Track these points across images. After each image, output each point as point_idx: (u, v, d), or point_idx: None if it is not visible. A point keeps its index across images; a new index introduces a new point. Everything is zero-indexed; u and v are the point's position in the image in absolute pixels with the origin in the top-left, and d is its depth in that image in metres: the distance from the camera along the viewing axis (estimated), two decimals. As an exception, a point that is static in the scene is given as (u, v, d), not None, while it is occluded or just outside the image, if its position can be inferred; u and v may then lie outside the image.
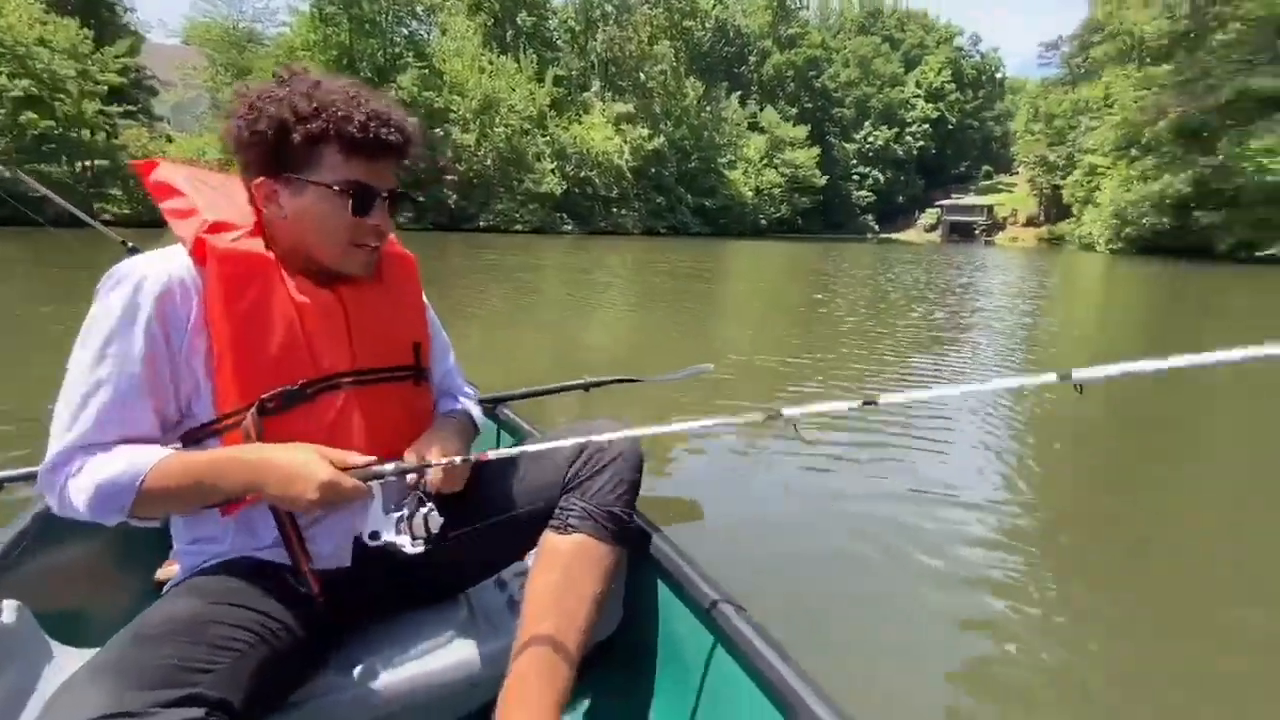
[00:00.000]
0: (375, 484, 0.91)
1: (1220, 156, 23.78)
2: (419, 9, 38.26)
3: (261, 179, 0.93)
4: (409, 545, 0.91)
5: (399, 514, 0.92)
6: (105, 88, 24.95)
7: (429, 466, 0.94)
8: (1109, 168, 32.88)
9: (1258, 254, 22.21)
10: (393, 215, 1.02)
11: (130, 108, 27.51)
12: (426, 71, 34.54)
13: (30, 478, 1.22)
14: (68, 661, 1.01)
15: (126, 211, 23.30)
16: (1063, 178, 45.15)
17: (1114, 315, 10.31)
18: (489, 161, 34.73)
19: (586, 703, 1.24)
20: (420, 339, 1.13)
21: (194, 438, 0.92)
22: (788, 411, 0.87)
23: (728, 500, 2.60)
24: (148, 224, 19.32)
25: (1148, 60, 30.99)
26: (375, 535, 0.92)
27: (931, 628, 1.87)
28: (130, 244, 2.13)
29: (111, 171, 23.56)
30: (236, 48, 32.70)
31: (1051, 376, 0.84)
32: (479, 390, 1.90)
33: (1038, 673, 1.70)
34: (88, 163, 23.08)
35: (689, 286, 12.33)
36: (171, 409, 0.91)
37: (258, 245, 0.95)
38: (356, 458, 0.90)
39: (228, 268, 0.90)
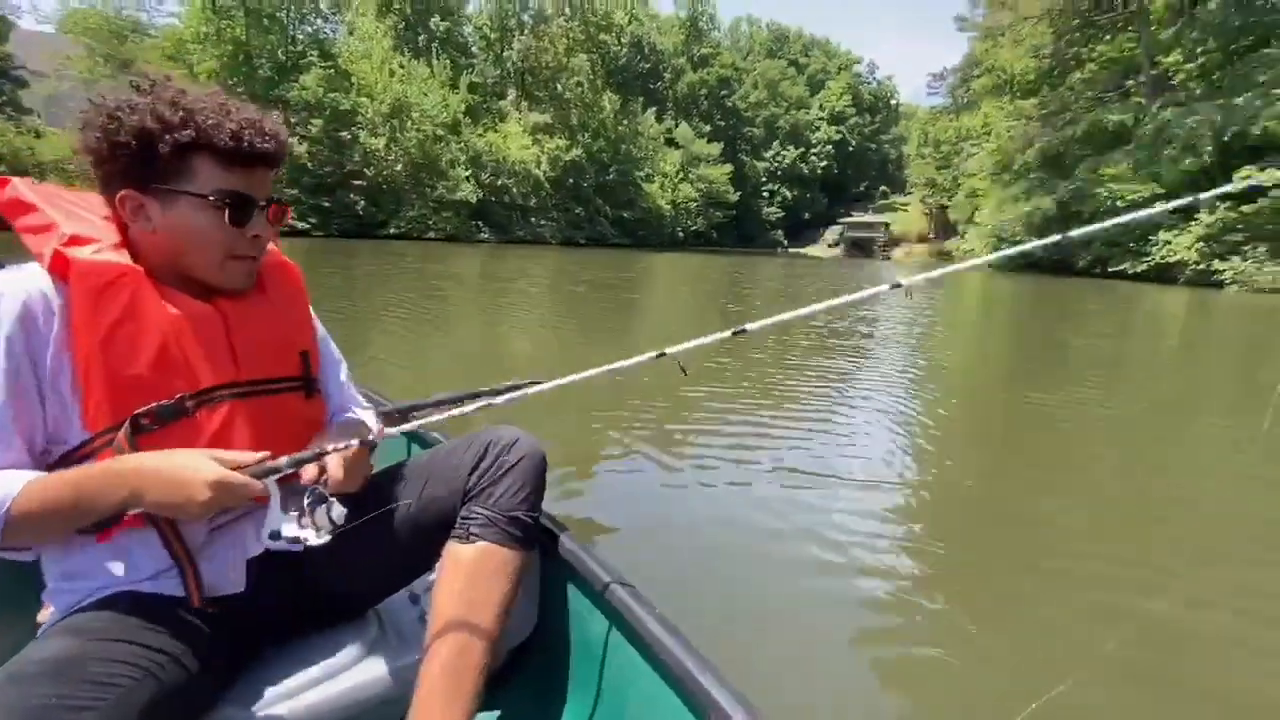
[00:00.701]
0: (271, 482, 0.87)
1: (1078, 182, 26.61)
2: (323, 5, 36.78)
3: (125, 192, 0.89)
4: (314, 537, 0.86)
5: (297, 510, 0.88)
6: (-41, 73, 22.43)
7: (325, 454, 0.90)
8: (987, 191, 36.04)
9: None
10: (273, 224, 0.99)
11: (-8, 98, 24.84)
12: (332, 72, 33.19)
13: None
14: None
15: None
16: (949, 199, 48.87)
17: (993, 327, 11.27)
18: (399, 167, 33.73)
19: (502, 710, 1.21)
20: (308, 348, 1.09)
21: (65, 463, 0.86)
22: (671, 350, 1.00)
23: (633, 515, 2.71)
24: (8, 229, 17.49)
25: (1018, 94, 34.35)
26: (276, 534, 0.87)
27: (819, 608, 2.06)
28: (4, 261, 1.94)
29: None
30: (118, 38, 30.17)
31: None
32: (387, 400, 1.88)
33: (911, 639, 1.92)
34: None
35: (611, 296, 12.53)
36: (39, 437, 0.86)
37: (123, 258, 0.90)
38: (247, 456, 0.86)
39: (91, 281, 0.85)
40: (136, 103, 0.88)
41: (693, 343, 1.00)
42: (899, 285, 1.07)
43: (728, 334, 1.00)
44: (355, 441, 0.92)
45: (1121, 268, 24.60)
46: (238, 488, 0.82)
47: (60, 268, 0.85)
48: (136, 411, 0.86)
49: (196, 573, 0.91)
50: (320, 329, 1.17)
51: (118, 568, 0.89)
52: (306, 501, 0.88)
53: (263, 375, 1.00)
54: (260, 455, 0.87)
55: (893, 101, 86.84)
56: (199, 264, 0.93)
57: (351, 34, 37.70)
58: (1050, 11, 30.07)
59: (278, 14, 33.48)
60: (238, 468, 0.84)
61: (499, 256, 23.11)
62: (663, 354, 1.00)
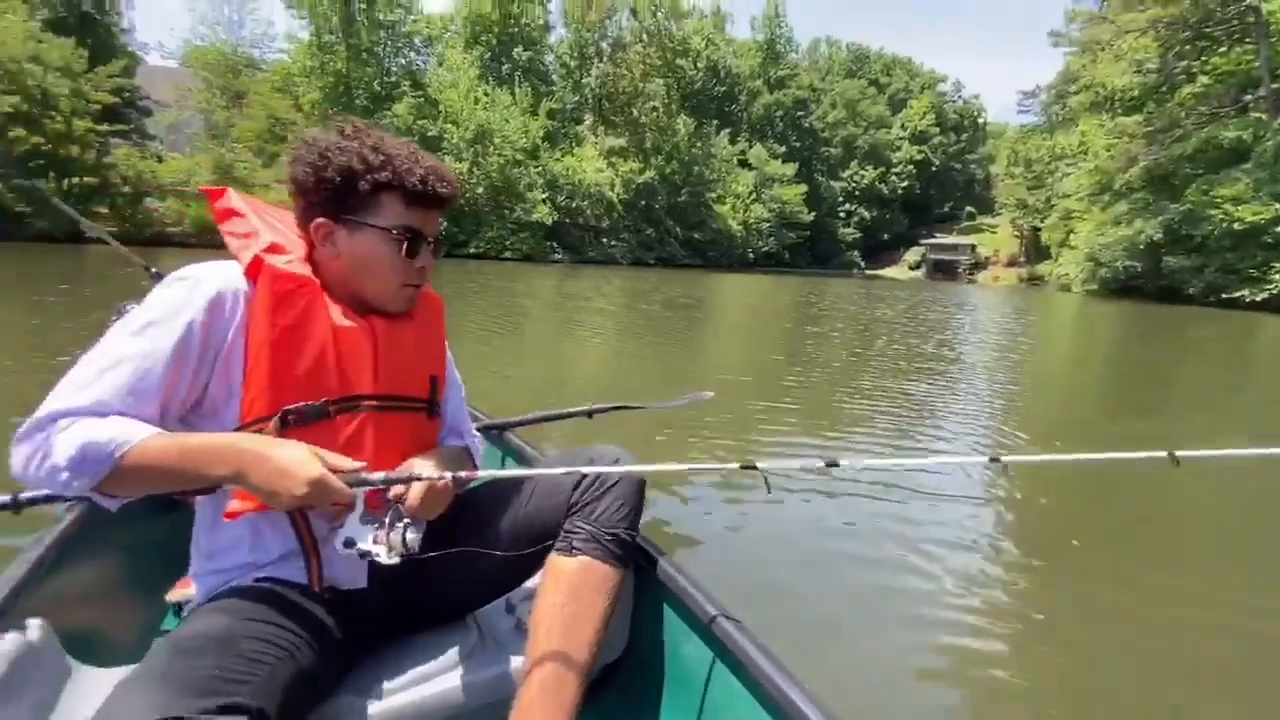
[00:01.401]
0: (359, 492, 0.91)
1: (1189, 204, 24.54)
2: (417, 40, 39.04)
3: (321, 220, 1.01)
4: (384, 556, 0.90)
5: (375, 525, 0.92)
6: (98, 106, 25.11)
7: (415, 480, 0.94)
8: (1084, 212, 33.82)
9: (1224, 297, 22.83)
10: (434, 258, 1.10)
11: (123, 127, 27.65)
12: (422, 101, 35.12)
13: (51, 499, 1.24)
14: (85, 678, 1.03)
15: (113, 229, 23.26)
16: (1041, 220, 46.27)
17: (1089, 364, 10.49)
18: (480, 190, 35.13)
19: None
20: (438, 375, 1.17)
21: None
22: (760, 465, 0.99)
23: (719, 530, 2.67)
24: (136, 242, 19.31)
25: (1119, 110, 32.16)
26: (350, 543, 0.91)
27: (919, 646, 1.94)
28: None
29: (100, 189, 23.59)
30: (233, 72, 33.10)
31: (981, 459, 1.02)
32: (485, 415, 1.95)
33: (1019, 682, 1.78)
34: (75, 179, 23.05)
35: (684, 315, 12.54)
36: (175, 406, 0.93)
37: (307, 270, 1.02)
38: (346, 462, 0.91)
39: (278, 286, 0.96)
40: (345, 145, 1.00)
41: (782, 463, 1.05)
42: (996, 460, 0.99)
43: (820, 464, 1.00)
44: (448, 475, 0.96)
45: (1238, 295, 22.40)
46: (332, 490, 0.87)
47: (255, 270, 0.97)
48: (287, 407, 0.95)
49: (319, 561, 0.99)
50: (450, 356, 1.25)
51: (250, 548, 0.99)
52: (387, 519, 0.92)
53: (397, 392, 1.08)
54: (357, 465, 0.91)
55: (979, 120, 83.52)
56: (372, 288, 1.04)
57: (441, 65, 39.83)
58: (1155, 24, 28.08)
59: (375, 48, 35.80)
60: (335, 471, 0.88)
61: (573, 276, 23.60)
62: (751, 466, 1.01)
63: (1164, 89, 29.70)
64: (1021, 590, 2.25)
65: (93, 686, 1.00)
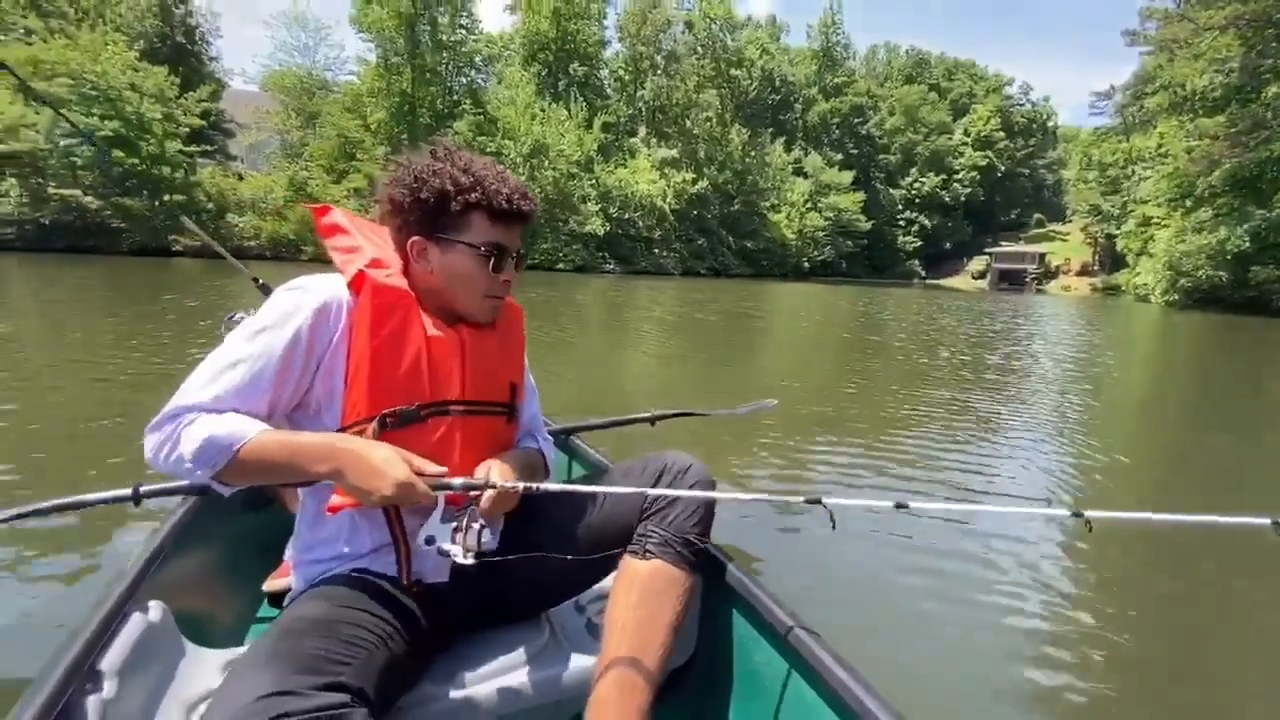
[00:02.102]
0: (440, 494, 0.97)
1: (1277, 209, 22.86)
2: (477, 59, 40.36)
3: (417, 238, 1.08)
4: (460, 556, 0.94)
5: (454, 524, 0.97)
6: (187, 129, 27.06)
7: (491, 487, 1.00)
8: (1164, 218, 31.92)
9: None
10: (517, 271, 1.16)
11: (208, 148, 29.71)
12: (481, 118, 36.25)
13: (168, 492, 1.32)
14: (197, 657, 1.12)
15: (198, 244, 24.96)
16: (1117, 227, 43.93)
17: (1174, 381, 9.92)
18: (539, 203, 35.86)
19: None
20: (518, 381, 1.23)
21: None
22: (827, 501, 0.98)
23: (780, 553, 2.65)
24: (219, 257, 20.52)
25: (1200, 111, 30.25)
26: (431, 540, 0.97)
27: (999, 667, 1.92)
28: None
29: (186, 206, 25.38)
30: (308, 94, 35.01)
31: (1065, 512, 1.03)
32: (551, 420, 2.00)
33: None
34: (166, 197, 24.84)
35: (740, 324, 12.51)
36: (283, 405, 1.02)
37: (404, 284, 1.09)
38: (431, 466, 0.98)
39: (379, 298, 1.04)
40: (438, 167, 1.07)
41: (849, 500, 1.00)
42: (1079, 515, 0.98)
43: (890, 505, 0.99)
44: (520, 485, 1.01)
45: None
46: (416, 493, 0.94)
47: (358, 284, 1.05)
48: (385, 411, 1.02)
49: (410, 555, 1.05)
50: (526, 363, 1.31)
51: (347, 541, 1.06)
52: (464, 520, 0.97)
53: (482, 398, 1.15)
54: (440, 469, 0.98)
55: (1049, 124, 79.96)
56: (461, 299, 1.11)
57: (500, 82, 41.04)
58: (1237, 20, 26.33)
59: (439, 68, 37.23)
60: (420, 474, 0.96)
61: (627, 286, 23.82)
62: (818, 501, 1.00)
63: (1248, 88, 27.80)
64: (1095, 650, 2.10)
65: (201, 665, 1.10)
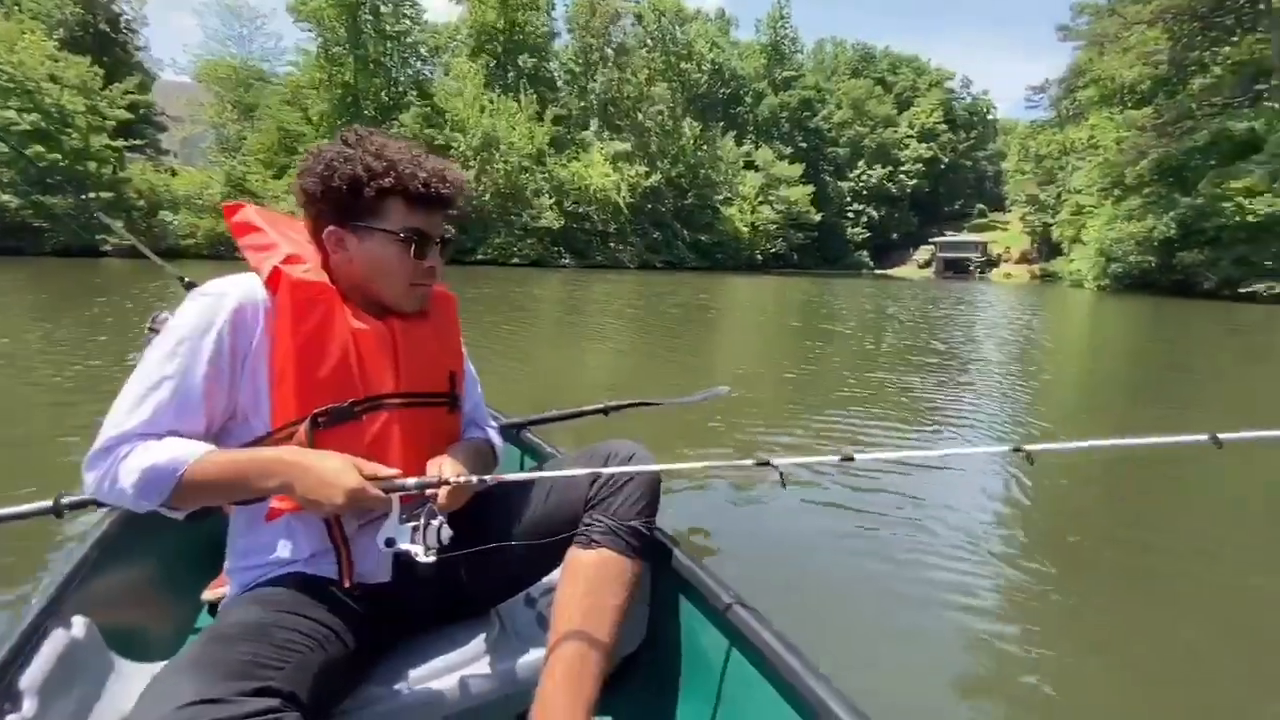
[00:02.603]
0: (395, 496, 0.96)
1: (1201, 197, 24.24)
2: (423, 50, 39.41)
3: (332, 228, 1.05)
4: (421, 554, 0.93)
5: (413, 524, 0.95)
6: (113, 123, 25.59)
7: (445, 483, 0.98)
8: (1096, 207, 33.49)
9: (1241, 291, 22.51)
10: (442, 258, 1.12)
11: (138, 142, 28.18)
12: (429, 110, 35.45)
13: (89, 504, 1.28)
14: (127, 673, 1.08)
15: (129, 243, 23.63)
16: (1053, 216, 45.86)
17: (1106, 358, 10.41)
18: (488, 197, 35.37)
19: (614, 716, 1.25)
20: (456, 370, 1.20)
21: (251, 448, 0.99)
22: (776, 461, 1.01)
23: (736, 526, 2.67)
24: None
25: (1129, 104, 31.86)
26: (391, 542, 0.95)
27: (935, 636, 1.93)
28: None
29: (115, 204, 24.03)
30: (244, 86, 33.57)
31: (1005, 448, 1.05)
32: (502, 415, 1.97)
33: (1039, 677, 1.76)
34: (92, 195, 23.50)
35: (695, 316, 12.61)
36: (219, 416, 0.99)
37: (324, 278, 1.05)
38: (382, 469, 0.96)
39: (298, 294, 1.00)
40: (349, 153, 1.03)
41: (799, 459, 1.05)
42: (1019, 450, 1.02)
43: (836, 458, 1.02)
44: (474, 479, 1.00)
45: (1255, 289, 22.09)
46: (369, 499, 0.92)
47: (275, 281, 1.00)
48: (316, 410, 0.99)
49: (350, 557, 1.02)
50: (465, 351, 1.28)
51: (284, 547, 1.03)
52: (422, 520, 0.95)
53: (419, 389, 1.11)
54: (392, 471, 0.97)
55: (989, 116, 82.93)
56: (385, 289, 1.08)
57: (447, 74, 40.17)
58: (1163, 15, 27.79)
59: (383, 59, 36.20)
60: (373, 479, 0.94)
61: (583, 280, 23.69)
62: (766, 462, 1.03)
63: (1174, 81, 29.41)
64: (1042, 582, 2.22)
65: (134, 680, 1.05)
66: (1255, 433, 1.04)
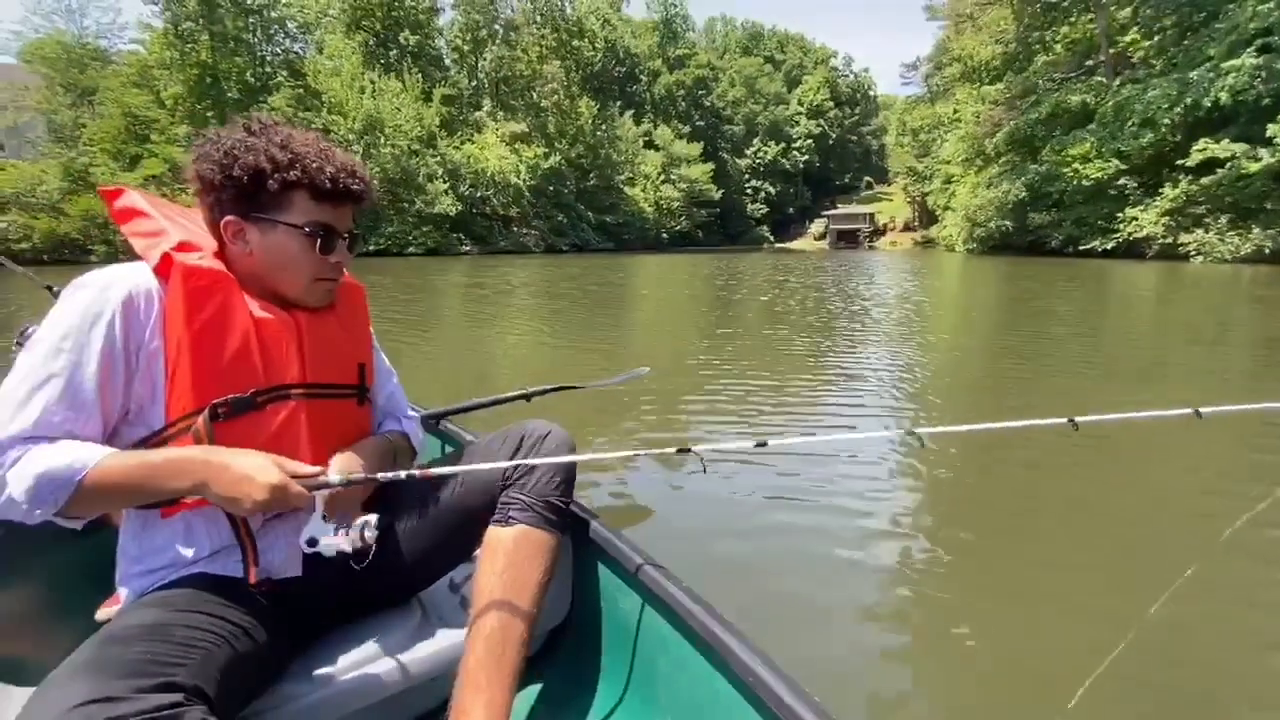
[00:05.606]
0: (317, 494, 0.93)
1: (1046, 164, 26.72)
2: (291, 26, 36.78)
3: (230, 218, 1.00)
4: (347, 547, 0.91)
5: (337, 522, 0.93)
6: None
7: (372, 480, 0.96)
8: (961, 176, 36.22)
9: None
10: (350, 253, 1.09)
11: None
12: (302, 91, 33.22)
13: None
14: (16, 699, 1.02)
15: (-52, 246, 20.88)
16: (928, 186, 49.11)
17: (976, 313, 11.27)
18: (375, 183, 33.56)
19: (540, 687, 1.27)
20: (366, 361, 1.18)
21: (146, 445, 0.93)
22: (696, 448, 1.06)
23: (659, 508, 2.67)
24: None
25: (985, 80, 34.52)
26: (313, 541, 0.92)
27: (840, 598, 2.02)
28: (56, 288, 1.93)
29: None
30: (78, 67, 30.01)
31: (900, 432, 1.18)
32: (420, 406, 1.90)
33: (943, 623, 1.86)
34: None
35: (605, 297, 12.60)
36: (115, 415, 0.92)
37: (220, 265, 1.00)
38: (304, 467, 0.93)
39: (191, 281, 0.95)
40: (251, 143, 0.99)
41: (717, 445, 1.09)
42: (912, 434, 1.13)
43: (751, 445, 1.06)
44: (403, 474, 0.97)
45: (1091, 245, 24.71)
46: (291, 496, 0.90)
47: (165, 268, 0.95)
48: (215, 401, 0.94)
49: (255, 553, 0.99)
50: (376, 342, 1.26)
51: (184, 545, 0.97)
52: (347, 521, 0.93)
53: (325, 380, 1.09)
54: (315, 469, 0.94)
55: (871, 93, 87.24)
56: (286, 283, 1.04)
57: (321, 52, 37.69)
58: (1010, -5, 30.21)
59: (243, 35, 33.47)
60: (296, 476, 0.91)
61: (487, 267, 22.97)
62: (686, 449, 1.07)
63: (1021, 58, 32.09)
64: (933, 548, 2.32)
65: (18, 705, 0.98)
66: (1109, 416, 1.15)
